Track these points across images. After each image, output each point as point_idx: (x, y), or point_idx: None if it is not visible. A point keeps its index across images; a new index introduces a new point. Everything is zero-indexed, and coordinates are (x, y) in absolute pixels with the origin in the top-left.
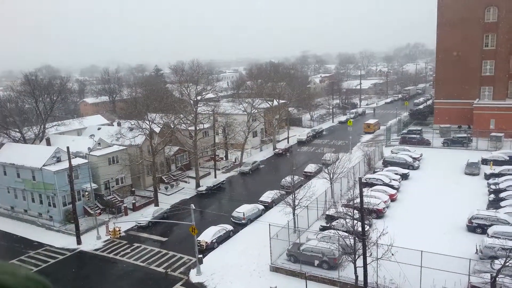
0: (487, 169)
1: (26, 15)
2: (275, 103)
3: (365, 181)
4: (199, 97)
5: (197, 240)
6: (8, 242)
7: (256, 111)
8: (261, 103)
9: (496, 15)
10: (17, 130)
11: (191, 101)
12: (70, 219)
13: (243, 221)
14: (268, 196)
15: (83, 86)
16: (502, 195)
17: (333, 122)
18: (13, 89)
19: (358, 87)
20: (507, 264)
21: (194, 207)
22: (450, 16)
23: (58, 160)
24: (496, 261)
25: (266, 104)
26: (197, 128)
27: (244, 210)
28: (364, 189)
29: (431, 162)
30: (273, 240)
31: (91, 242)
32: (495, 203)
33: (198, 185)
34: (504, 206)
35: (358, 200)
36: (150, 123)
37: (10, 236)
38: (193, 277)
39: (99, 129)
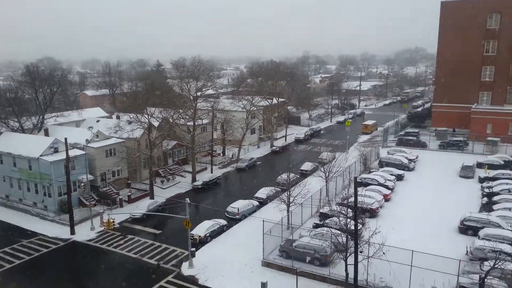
0: (482, 173)
1: (28, 6)
2: (275, 101)
3: (360, 181)
4: (199, 93)
5: (191, 234)
6: (2, 230)
7: (255, 108)
8: (261, 101)
9: (498, 21)
10: (16, 120)
11: (191, 97)
12: (64, 209)
13: (237, 217)
14: (263, 192)
15: (84, 79)
16: (495, 198)
17: (331, 122)
18: (13, 79)
19: (358, 88)
20: (496, 266)
21: (189, 201)
22: (452, 21)
23: (56, 150)
24: (486, 263)
25: (265, 102)
26: (196, 123)
27: (239, 205)
28: (359, 189)
29: (427, 164)
30: (266, 236)
31: (85, 233)
32: (487, 206)
33: (194, 180)
34: (496, 210)
35: (352, 199)
36: (149, 117)
37: (4, 225)
38: (185, 270)
39: (98, 121)
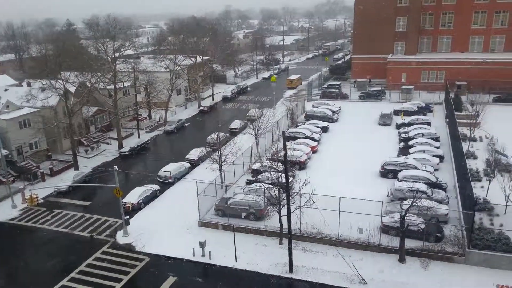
0: (399, 120)
1: None
2: (199, 59)
3: (288, 135)
4: (117, 54)
5: (123, 202)
6: None
7: (179, 68)
8: (184, 59)
9: None
10: None
11: (109, 58)
12: None
13: (169, 180)
14: (194, 153)
15: None
16: (411, 142)
17: (257, 78)
18: None
19: (281, 43)
20: (414, 203)
21: (117, 169)
22: None
23: None
24: (405, 202)
25: (189, 61)
26: (117, 87)
27: (170, 169)
28: (288, 143)
29: (349, 115)
30: (201, 197)
31: (6, 211)
32: (405, 150)
33: (120, 146)
34: (412, 153)
35: (282, 153)
36: (64, 82)
37: None
38: (120, 238)
39: (6, 90)
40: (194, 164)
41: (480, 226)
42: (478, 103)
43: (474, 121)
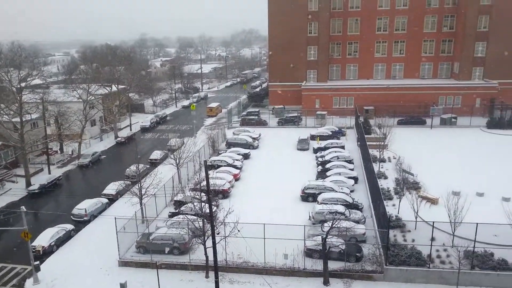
0: (315, 144)
1: None
2: (114, 88)
3: (210, 164)
4: (23, 84)
5: (32, 246)
6: None
7: (93, 97)
8: (99, 89)
9: (317, 4)
10: None
11: (14, 89)
12: None
13: (85, 218)
14: (112, 188)
15: None
16: (327, 166)
17: (176, 107)
18: None
19: (199, 71)
20: (333, 225)
21: (25, 209)
22: (279, 4)
23: None
24: (325, 224)
25: (104, 90)
26: (24, 119)
27: (85, 206)
28: (210, 171)
29: (269, 141)
30: (120, 234)
31: None
32: (322, 174)
33: (29, 184)
34: (329, 176)
35: (204, 182)
36: None
37: None
38: (30, 287)
39: None
40: (112, 199)
41: (394, 243)
42: (384, 126)
43: (382, 143)
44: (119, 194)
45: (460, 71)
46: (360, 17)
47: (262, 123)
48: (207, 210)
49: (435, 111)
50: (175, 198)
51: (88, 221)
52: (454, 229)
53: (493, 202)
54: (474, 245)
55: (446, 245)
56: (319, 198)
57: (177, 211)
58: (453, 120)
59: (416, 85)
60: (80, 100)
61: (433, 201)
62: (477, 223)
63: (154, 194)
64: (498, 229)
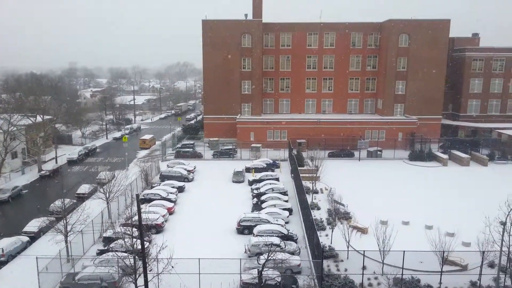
0: (250, 176)
1: None
2: (39, 119)
3: (143, 197)
4: None
5: None
6: None
7: (15, 128)
8: (21, 119)
9: (250, 41)
10: None
11: None
12: None
13: (2, 259)
14: (33, 225)
15: None
16: (263, 198)
17: (107, 138)
18: None
19: (132, 102)
20: (269, 257)
21: None
22: (214, 39)
23: None
24: (262, 257)
25: (27, 120)
26: None
27: (2, 245)
28: (142, 205)
29: (204, 174)
30: (42, 275)
31: None
32: (258, 206)
33: None
34: (265, 208)
35: (136, 217)
36: None
37: None
38: None
39: None
40: (34, 237)
41: (328, 273)
42: (316, 158)
43: (315, 174)
44: (42, 231)
45: (383, 107)
46: (291, 55)
47: (197, 156)
48: (139, 246)
49: (362, 144)
50: (104, 235)
51: (6, 262)
52: (384, 257)
53: (418, 230)
54: (402, 273)
55: (377, 273)
56: (255, 230)
57: (106, 248)
58: (378, 152)
59: (344, 120)
60: (0, 130)
61: (363, 231)
62: (404, 251)
63: (81, 230)
64: (423, 256)
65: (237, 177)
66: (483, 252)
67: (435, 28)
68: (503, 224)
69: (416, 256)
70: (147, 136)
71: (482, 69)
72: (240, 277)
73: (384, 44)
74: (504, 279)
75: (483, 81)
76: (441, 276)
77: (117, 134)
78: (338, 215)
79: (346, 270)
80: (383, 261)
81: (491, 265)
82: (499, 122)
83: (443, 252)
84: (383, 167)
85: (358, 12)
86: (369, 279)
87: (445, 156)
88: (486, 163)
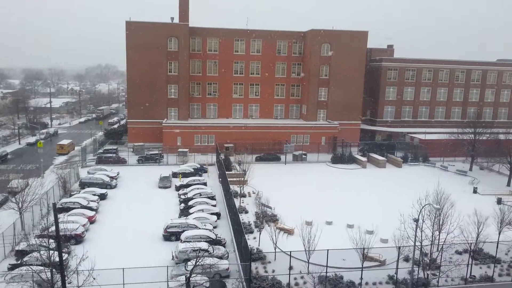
0: (177, 181)
1: None
2: None
3: (60, 206)
4: None
5: None
6: None
7: None
8: None
9: (177, 45)
10: None
11: None
12: None
13: None
14: None
15: None
16: (190, 203)
17: (20, 144)
18: None
19: (48, 105)
20: (197, 263)
21: None
22: (138, 42)
23: None
24: (189, 263)
25: None
26: None
27: None
28: (60, 215)
29: (128, 180)
30: None
31: None
32: (185, 211)
33: None
34: (192, 213)
35: (53, 227)
36: None
37: None
38: None
39: None
40: None
41: (256, 275)
42: (244, 162)
43: (242, 178)
44: None
45: (307, 113)
46: (218, 60)
47: (121, 161)
48: (57, 259)
49: (288, 148)
50: (16, 248)
51: None
52: (309, 256)
53: (340, 229)
54: (327, 270)
55: (303, 272)
56: (182, 236)
57: (19, 262)
58: (303, 156)
59: (271, 125)
60: None
61: (289, 232)
62: (327, 250)
63: None
64: (345, 254)
65: (164, 183)
66: (399, 247)
67: (354, 39)
68: (416, 221)
69: (339, 254)
70: (65, 141)
71: (397, 78)
72: (167, 285)
73: (308, 53)
74: (418, 272)
75: (397, 89)
76: (362, 272)
77: (32, 139)
78: (266, 217)
79: (273, 271)
80: (308, 261)
81: (406, 259)
82: (411, 127)
83: (363, 249)
84: (307, 170)
85: (289, 21)
86: (295, 278)
87: (364, 159)
88: (401, 165)
